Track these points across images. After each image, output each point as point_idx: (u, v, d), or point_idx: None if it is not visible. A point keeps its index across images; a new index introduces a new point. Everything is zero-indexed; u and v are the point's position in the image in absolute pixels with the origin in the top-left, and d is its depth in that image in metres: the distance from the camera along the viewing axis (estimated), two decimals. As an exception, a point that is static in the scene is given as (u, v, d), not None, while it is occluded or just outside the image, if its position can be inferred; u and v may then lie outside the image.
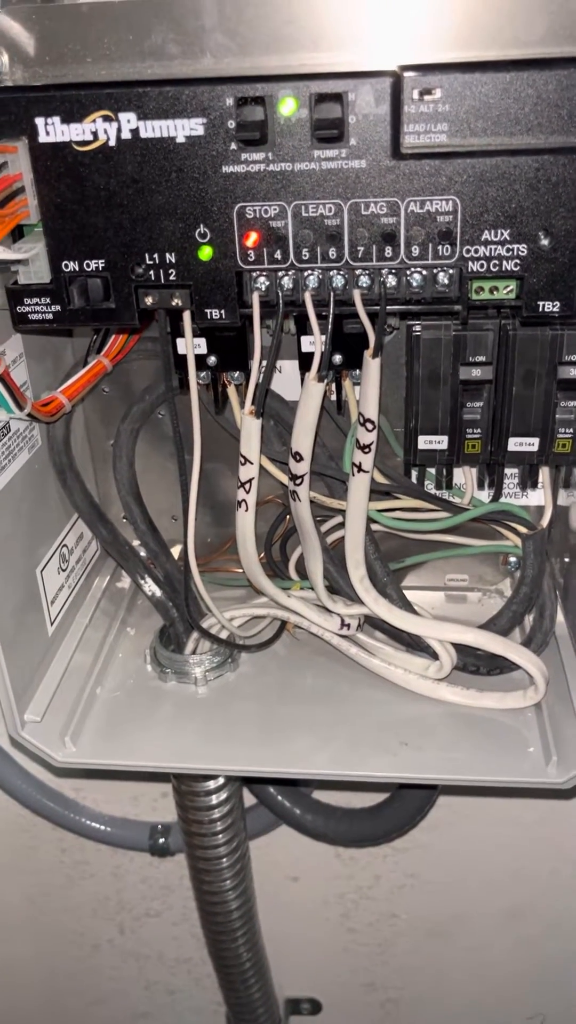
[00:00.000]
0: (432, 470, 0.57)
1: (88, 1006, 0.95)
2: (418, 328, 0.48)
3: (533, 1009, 0.88)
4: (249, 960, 0.78)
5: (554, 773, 0.50)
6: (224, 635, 0.59)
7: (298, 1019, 0.92)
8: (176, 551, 0.62)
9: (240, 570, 0.62)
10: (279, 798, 0.71)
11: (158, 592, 0.60)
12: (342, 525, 0.58)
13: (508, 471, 0.58)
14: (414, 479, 0.57)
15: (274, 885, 0.81)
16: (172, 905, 0.86)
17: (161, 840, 0.78)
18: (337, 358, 0.51)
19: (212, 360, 0.52)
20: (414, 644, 0.56)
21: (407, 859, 0.79)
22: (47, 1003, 0.96)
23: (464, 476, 0.58)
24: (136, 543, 0.61)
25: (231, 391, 0.54)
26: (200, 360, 0.52)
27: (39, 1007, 0.96)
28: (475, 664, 0.56)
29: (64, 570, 0.60)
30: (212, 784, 0.64)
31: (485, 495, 0.58)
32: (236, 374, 0.53)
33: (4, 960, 0.92)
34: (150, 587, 0.60)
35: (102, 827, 0.78)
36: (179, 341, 0.50)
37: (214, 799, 0.65)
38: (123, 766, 0.54)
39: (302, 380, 0.51)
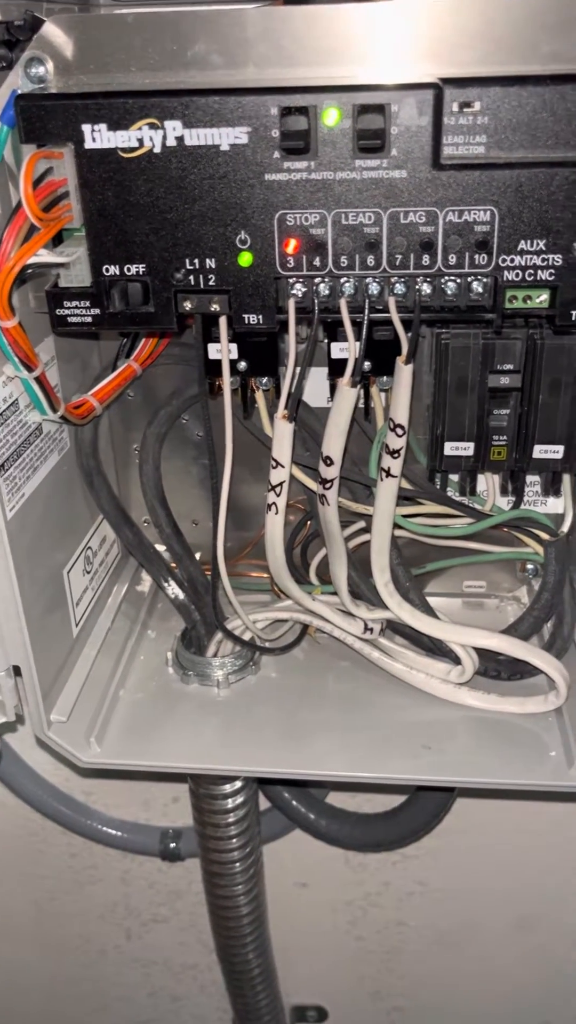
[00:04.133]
0: (454, 477, 0.57)
1: (91, 1013, 0.95)
2: (447, 336, 0.49)
3: (541, 1019, 0.88)
4: (258, 966, 0.78)
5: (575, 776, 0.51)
6: (247, 637, 0.59)
7: (304, 1027, 0.92)
8: (197, 555, 0.63)
9: (258, 575, 0.63)
10: (294, 803, 0.71)
11: (181, 595, 0.61)
12: (364, 530, 0.58)
13: (529, 478, 0.59)
14: (436, 485, 0.58)
15: (283, 891, 0.81)
16: (180, 911, 0.85)
17: (172, 845, 0.78)
18: (367, 364, 0.52)
19: (242, 365, 0.52)
20: (435, 648, 0.57)
21: (417, 866, 0.79)
22: (49, 1009, 0.95)
23: (487, 483, 0.58)
24: (160, 546, 0.61)
25: (259, 396, 0.55)
26: (231, 365, 0.52)
27: (41, 1013, 0.96)
28: (496, 669, 0.57)
29: (88, 572, 0.60)
30: (229, 787, 0.65)
31: (505, 502, 0.59)
32: (264, 380, 0.54)
33: (8, 964, 0.92)
34: (173, 590, 0.61)
35: (113, 831, 0.78)
36: (211, 346, 0.51)
37: (231, 803, 0.65)
38: (147, 767, 0.54)
39: (332, 386, 0.52)
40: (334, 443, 0.50)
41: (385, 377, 0.51)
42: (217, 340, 0.48)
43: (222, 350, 0.48)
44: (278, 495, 0.51)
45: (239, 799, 0.65)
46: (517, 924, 0.81)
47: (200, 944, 0.87)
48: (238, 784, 0.65)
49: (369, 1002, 0.90)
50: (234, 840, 0.68)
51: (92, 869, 0.84)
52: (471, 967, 0.85)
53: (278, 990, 0.84)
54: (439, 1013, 0.90)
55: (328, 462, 0.50)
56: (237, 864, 0.69)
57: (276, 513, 0.52)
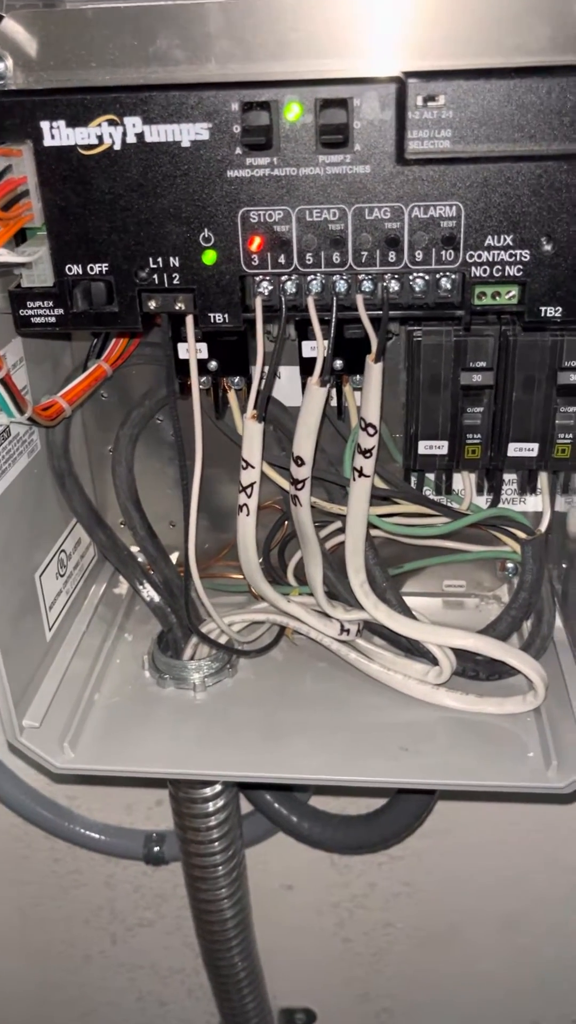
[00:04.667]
0: (431, 476, 0.57)
1: (78, 1019, 0.94)
2: (419, 334, 0.49)
3: (530, 1018, 0.88)
4: (244, 969, 0.78)
5: (554, 777, 0.50)
6: (223, 640, 0.59)
7: (292, 1030, 0.91)
8: (174, 557, 0.62)
9: (237, 576, 0.62)
10: (276, 805, 0.71)
11: (156, 598, 0.60)
12: (341, 530, 0.58)
13: (506, 477, 0.59)
14: (413, 484, 0.57)
15: (269, 893, 0.81)
16: (165, 914, 0.85)
17: (156, 848, 0.77)
18: (338, 363, 0.51)
19: (213, 365, 0.52)
20: (413, 649, 0.56)
21: (402, 867, 0.79)
22: (36, 1015, 0.95)
23: (463, 481, 0.58)
24: (135, 548, 0.61)
25: (231, 396, 0.54)
26: (201, 365, 0.52)
27: (28, 1019, 0.95)
28: (474, 669, 0.56)
29: (62, 575, 0.59)
30: (209, 791, 0.64)
31: (483, 501, 0.58)
32: (236, 379, 0.54)
33: (-6, 971, 0.91)
34: (148, 593, 0.60)
35: (96, 835, 0.77)
36: (180, 346, 0.50)
37: (211, 806, 0.65)
38: (122, 772, 0.54)
39: (303, 385, 0.51)
40: (304, 443, 0.49)
41: (358, 376, 0.51)
42: (187, 339, 0.48)
43: (189, 349, 0.47)
44: (249, 496, 0.51)
45: (219, 802, 0.65)
46: (504, 924, 0.81)
47: (186, 948, 0.86)
48: (218, 788, 0.64)
49: (357, 1004, 0.90)
50: (216, 844, 0.67)
51: (76, 874, 0.83)
52: (459, 967, 0.85)
53: (265, 993, 0.83)
54: (428, 1014, 0.90)
55: (299, 462, 0.50)
56: (220, 868, 0.68)
57: (248, 515, 0.51)
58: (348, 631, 0.57)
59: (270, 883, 0.81)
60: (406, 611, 0.56)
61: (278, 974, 0.85)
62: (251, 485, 0.50)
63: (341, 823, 0.71)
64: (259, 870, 0.78)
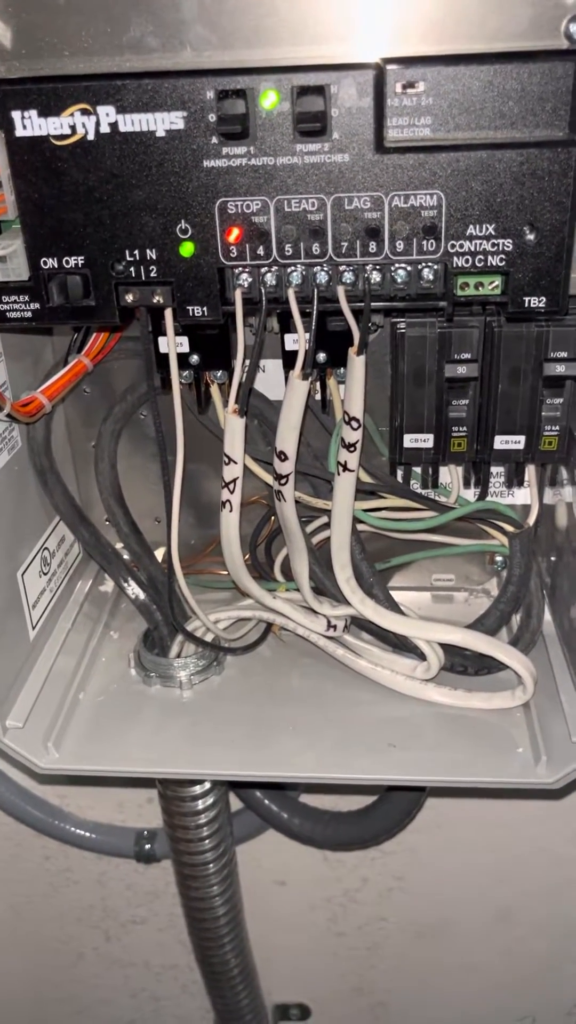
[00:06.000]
0: (418, 469, 0.56)
1: (72, 1015, 0.94)
2: (403, 326, 0.48)
3: (524, 1011, 0.88)
4: (237, 966, 0.77)
5: (543, 773, 0.50)
6: (209, 638, 0.58)
7: (287, 1025, 0.91)
8: (160, 553, 0.62)
9: (225, 572, 0.62)
10: (266, 802, 0.70)
11: (142, 595, 0.60)
12: (327, 525, 0.57)
13: (494, 470, 0.58)
14: (399, 478, 0.56)
15: (261, 889, 0.81)
16: (158, 912, 0.85)
17: (147, 846, 0.77)
18: (321, 356, 0.51)
19: (195, 359, 0.51)
20: (401, 645, 0.56)
21: (395, 862, 0.78)
22: (30, 1013, 0.95)
23: (450, 475, 0.57)
24: (119, 545, 0.60)
25: (214, 390, 0.53)
26: (182, 359, 0.51)
27: (23, 1017, 0.95)
28: (463, 664, 0.56)
29: (46, 573, 0.59)
30: (198, 789, 0.64)
31: (471, 494, 0.57)
32: (219, 373, 0.53)
33: (-13, 970, 0.91)
34: (133, 590, 0.59)
35: (87, 834, 0.77)
36: (161, 340, 0.49)
37: (200, 804, 0.64)
38: (107, 772, 0.53)
39: (286, 378, 0.51)
40: (287, 438, 0.48)
41: (342, 369, 0.50)
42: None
43: (169, 343, 0.47)
44: (232, 492, 0.50)
45: (208, 800, 0.64)
46: (497, 916, 0.81)
47: (180, 944, 0.86)
48: (207, 786, 0.64)
49: (352, 998, 0.89)
50: (206, 841, 0.67)
51: (68, 872, 0.82)
52: (453, 961, 0.85)
53: (259, 989, 0.83)
54: (423, 1008, 0.89)
55: (282, 457, 0.49)
56: (211, 865, 0.68)
57: (231, 511, 0.51)
58: (335, 627, 0.56)
59: (262, 879, 0.80)
60: (393, 606, 0.56)
61: (272, 969, 0.85)
62: (234, 480, 0.50)
63: (332, 820, 0.71)
64: (251, 866, 0.77)
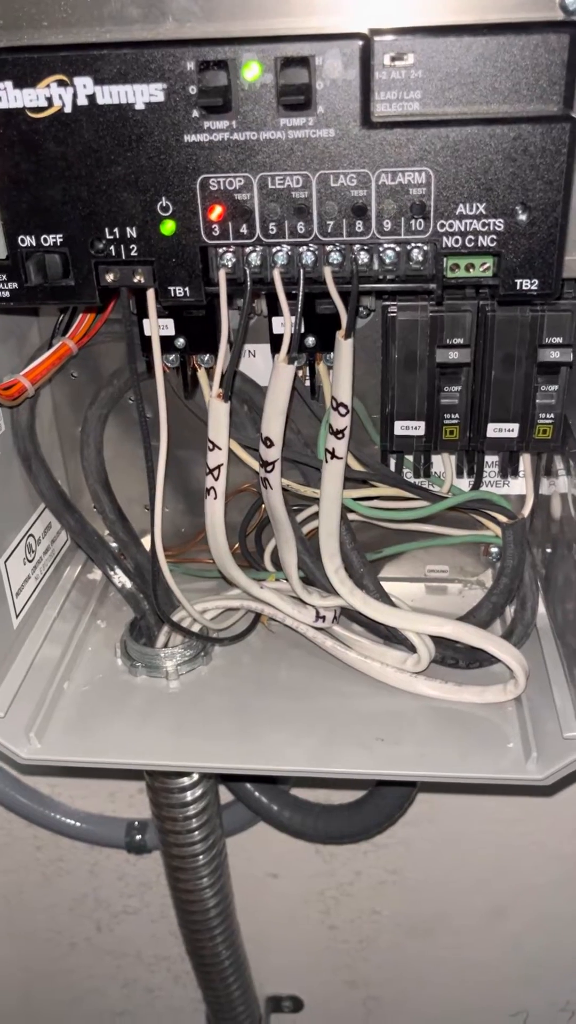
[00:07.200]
0: (410, 457, 0.55)
1: (65, 1006, 0.94)
2: (394, 309, 0.47)
3: (517, 1006, 0.87)
4: (228, 958, 0.77)
5: (534, 769, 0.48)
6: (196, 628, 0.57)
7: (279, 1017, 0.90)
8: (147, 541, 0.60)
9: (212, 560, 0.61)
10: (256, 794, 0.69)
11: (128, 584, 0.58)
12: (317, 515, 0.56)
13: (488, 458, 0.57)
14: (391, 466, 0.55)
15: (254, 882, 0.80)
16: (150, 902, 0.84)
17: (138, 837, 0.76)
18: (310, 340, 0.49)
19: (180, 342, 0.50)
20: (391, 637, 0.55)
21: (388, 855, 0.77)
22: (22, 1003, 0.94)
23: (443, 463, 0.56)
24: (106, 533, 0.59)
25: (201, 375, 0.52)
26: (168, 342, 0.50)
27: (14, 1007, 0.95)
28: (454, 657, 0.55)
29: (31, 561, 0.58)
30: (187, 781, 0.63)
31: (465, 483, 0.56)
32: (206, 357, 0.52)
33: (-21, 959, 0.91)
34: (120, 579, 0.58)
35: (78, 824, 0.76)
36: (145, 322, 0.48)
37: (188, 796, 0.63)
38: (91, 763, 0.52)
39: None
40: (273, 423, 0.47)
41: (331, 354, 0.48)
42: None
43: (151, 325, 0.45)
44: (216, 479, 0.49)
45: (197, 792, 0.63)
46: (490, 910, 0.80)
47: (172, 936, 0.85)
48: (195, 777, 0.63)
49: (344, 991, 0.89)
50: (195, 833, 0.66)
51: (59, 862, 0.82)
52: (446, 955, 0.84)
53: (251, 981, 0.82)
54: (416, 1001, 0.89)
55: (268, 443, 0.48)
56: (200, 857, 0.67)
57: (215, 498, 0.49)
58: (324, 618, 0.55)
59: (254, 871, 0.80)
60: (384, 597, 0.55)
61: (264, 962, 0.84)
62: (218, 467, 0.49)
63: (322, 813, 0.70)
64: (243, 858, 0.77)
